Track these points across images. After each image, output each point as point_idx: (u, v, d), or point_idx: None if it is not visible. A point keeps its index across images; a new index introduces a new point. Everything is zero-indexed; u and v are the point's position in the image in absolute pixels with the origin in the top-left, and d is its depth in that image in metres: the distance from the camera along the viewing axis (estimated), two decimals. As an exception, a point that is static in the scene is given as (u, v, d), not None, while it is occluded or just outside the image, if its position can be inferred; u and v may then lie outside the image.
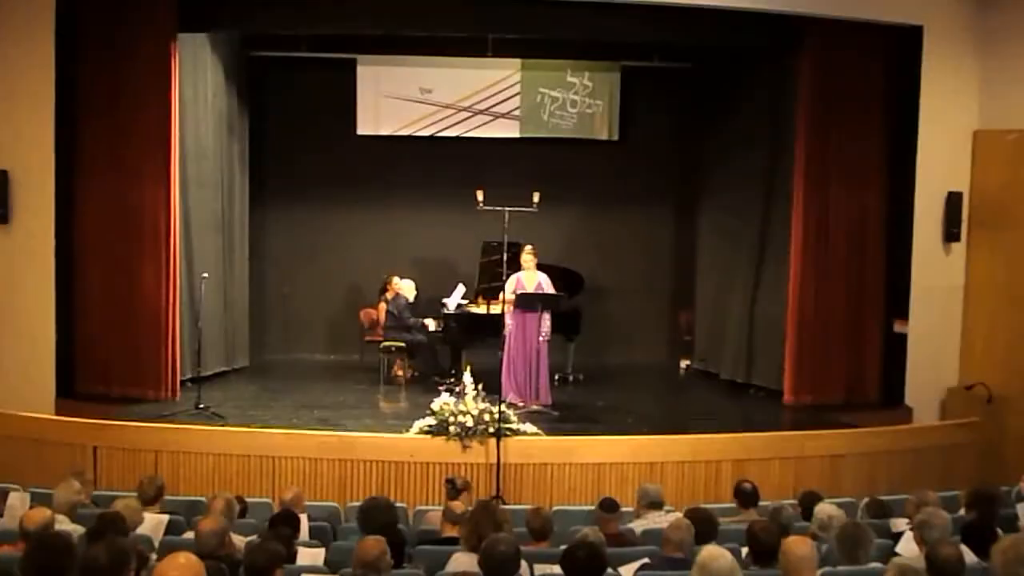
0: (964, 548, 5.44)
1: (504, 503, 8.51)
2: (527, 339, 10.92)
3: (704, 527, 6.11)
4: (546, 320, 11.01)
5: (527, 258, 11.24)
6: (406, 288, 12.76)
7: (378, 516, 6.30)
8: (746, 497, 7.35)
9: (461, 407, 9.44)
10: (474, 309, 12.64)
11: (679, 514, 6.61)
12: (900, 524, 6.65)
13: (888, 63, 11.67)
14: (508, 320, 10.94)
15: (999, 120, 11.61)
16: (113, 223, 11.00)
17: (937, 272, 11.66)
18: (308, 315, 14.54)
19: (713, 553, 4.94)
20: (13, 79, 10.71)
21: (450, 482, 7.91)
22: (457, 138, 14.22)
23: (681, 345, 14.57)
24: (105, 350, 11.08)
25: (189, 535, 6.38)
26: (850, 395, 11.70)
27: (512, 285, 11.08)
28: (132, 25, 10.89)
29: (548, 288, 11.20)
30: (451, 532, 6.50)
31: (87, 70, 10.95)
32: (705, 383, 13.58)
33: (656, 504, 7.12)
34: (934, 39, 11.42)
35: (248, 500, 7.81)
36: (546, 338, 11.03)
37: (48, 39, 10.62)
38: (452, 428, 9.34)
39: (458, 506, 6.79)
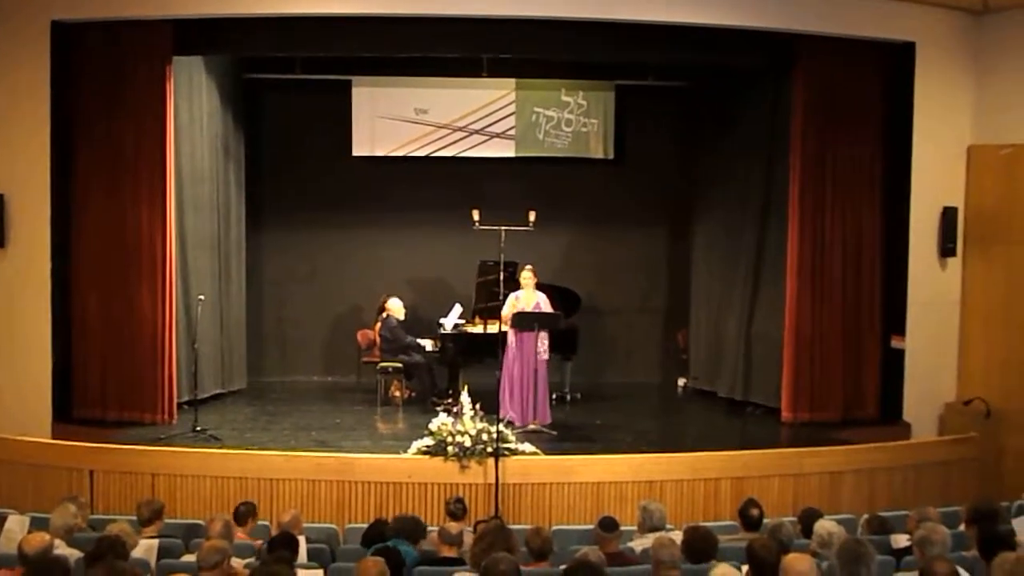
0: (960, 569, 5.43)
1: (503, 523, 8.47)
2: (525, 358, 10.88)
3: (703, 544, 6.08)
4: (544, 338, 10.98)
5: (526, 275, 11.20)
6: (395, 308, 12.69)
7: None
8: (752, 523, 7.09)
9: (459, 427, 9.41)
10: (471, 329, 12.62)
11: (679, 532, 6.57)
12: (901, 540, 6.64)
13: (882, 80, 11.71)
14: (511, 339, 10.91)
15: (993, 135, 11.65)
16: (109, 246, 10.98)
17: (934, 287, 11.67)
18: (305, 337, 14.51)
19: (724, 572, 4.96)
20: (9, 103, 10.74)
21: (459, 501, 7.87)
22: (453, 158, 14.23)
23: (678, 364, 14.54)
24: (101, 373, 11.07)
25: (187, 558, 6.36)
26: (848, 411, 11.66)
27: (510, 304, 11.07)
28: (127, 49, 10.90)
29: (546, 307, 11.17)
30: (448, 552, 6.48)
31: (83, 93, 10.97)
32: (703, 401, 13.54)
33: (658, 528, 6.95)
34: (927, 55, 11.48)
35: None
36: (545, 356, 11.01)
37: (44, 63, 10.66)
38: (450, 448, 9.31)
39: (454, 527, 6.77)
